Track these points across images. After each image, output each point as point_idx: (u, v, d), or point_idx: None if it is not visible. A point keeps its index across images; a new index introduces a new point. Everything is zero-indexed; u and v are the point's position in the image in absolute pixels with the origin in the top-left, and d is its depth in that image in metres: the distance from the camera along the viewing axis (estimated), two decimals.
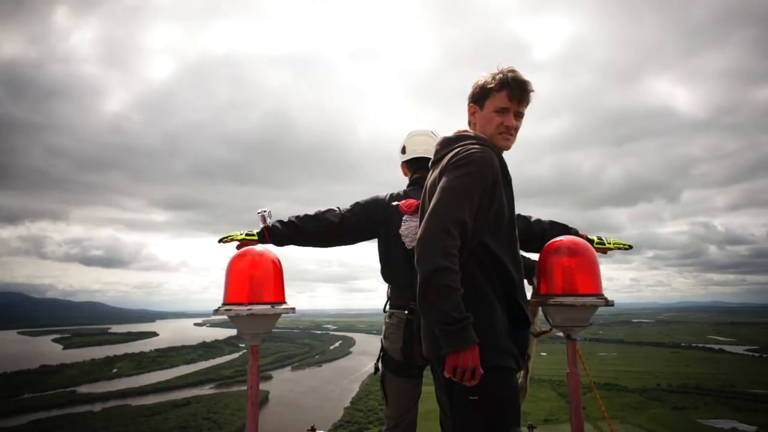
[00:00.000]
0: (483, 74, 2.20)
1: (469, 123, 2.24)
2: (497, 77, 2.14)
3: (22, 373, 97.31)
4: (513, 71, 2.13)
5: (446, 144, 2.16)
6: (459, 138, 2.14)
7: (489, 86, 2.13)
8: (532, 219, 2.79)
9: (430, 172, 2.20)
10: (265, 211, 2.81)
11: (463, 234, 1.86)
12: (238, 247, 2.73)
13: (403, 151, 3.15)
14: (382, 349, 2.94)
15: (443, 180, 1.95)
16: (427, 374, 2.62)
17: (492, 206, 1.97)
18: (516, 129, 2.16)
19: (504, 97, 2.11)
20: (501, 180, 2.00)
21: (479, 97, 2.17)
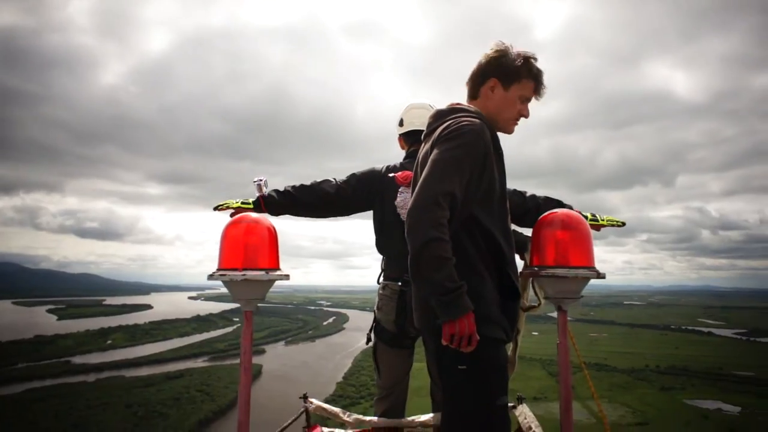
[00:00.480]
0: (506, 47, 2.10)
1: (477, 95, 2.15)
2: (531, 65, 2.09)
3: (16, 342, 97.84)
4: (537, 60, 2.11)
5: (439, 116, 2.13)
6: (452, 111, 2.11)
7: (520, 71, 2.08)
8: (527, 194, 2.79)
9: (423, 144, 2.18)
10: (261, 180, 2.81)
11: (453, 205, 1.84)
12: (233, 215, 2.74)
13: (401, 123, 3.14)
14: (375, 320, 2.97)
15: (434, 152, 1.93)
16: (419, 350, 2.64)
17: (483, 178, 1.96)
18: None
19: (531, 87, 2.10)
20: (492, 152, 2.00)
21: (508, 76, 2.08)
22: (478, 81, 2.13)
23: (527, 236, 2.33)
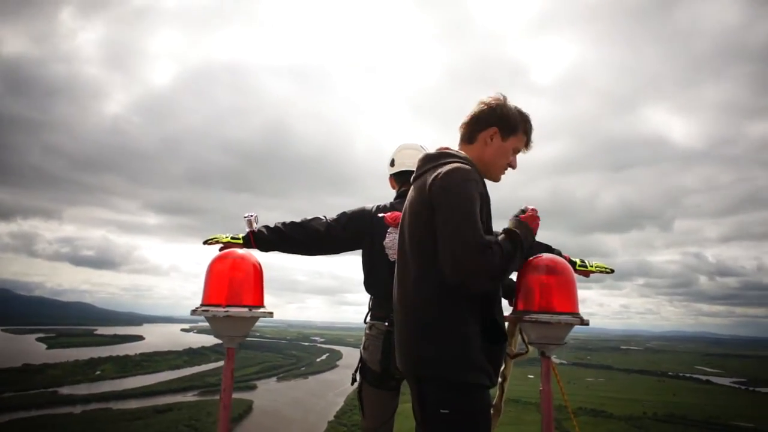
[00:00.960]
0: (505, 99, 2.20)
1: (473, 140, 2.19)
2: (528, 121, 2.22)
3: (4, 371, 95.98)
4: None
5: (428, 160, 2.14)
6: (441, 155, 2.13)
7: (519, 125, 2.18)
8: None
9: (411, 188, 2.18)
10: (252, 216, 2.83)
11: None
12: (222, 249, 2.74)
13: (392, 163, 3.18)
14: (361, 359, 2.95)
15: (442, 202, 1.93)
16: (406, 390, 2.62)
17: (483, 222, 1.99)
18: None
19: (523, 141, 2.22)
20: (484, 198, 2.03)
21: (508, 128, 2.17)
22: (477, 127, 2.18)
23: (512, 280, 2.33)
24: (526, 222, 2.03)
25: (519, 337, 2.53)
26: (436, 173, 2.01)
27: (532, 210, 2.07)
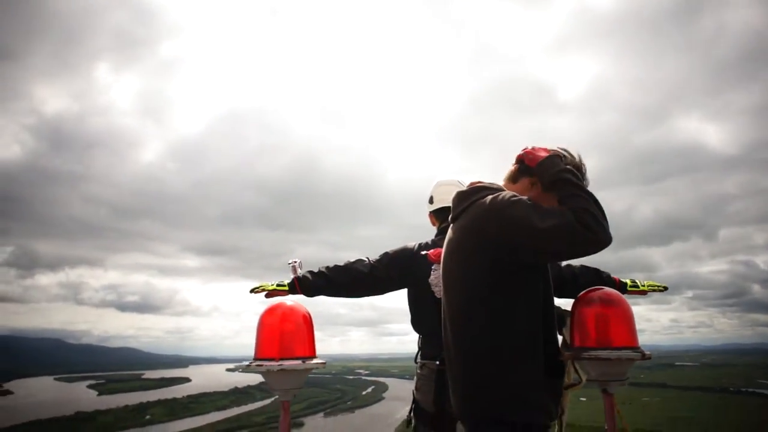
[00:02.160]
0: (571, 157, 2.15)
1: (517, 180, 2.16)
2: None
3: (57, 419, 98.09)
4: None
5: (464, 198, 2.12)
6: (477, 189, 2.11)
7: None
8: (562, 264, 2.76)
9: (450, 229, 2.16)
10: (295, 262, 2.86)
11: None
12: (268, 296, 2.77)
13: (431, 201, 3.17)
14: (414, 400, 2.90)
15: (507, 214, 1.88)
16: None
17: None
18: None
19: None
20: None
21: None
22: (524, 171, 2.15)
23: (566, 310, 2.28)
24: (541, 159, 2.00)
25: (572, 366, 2.46)
26: (478, 203, 1.99)
27: (524, 150, 2.06)
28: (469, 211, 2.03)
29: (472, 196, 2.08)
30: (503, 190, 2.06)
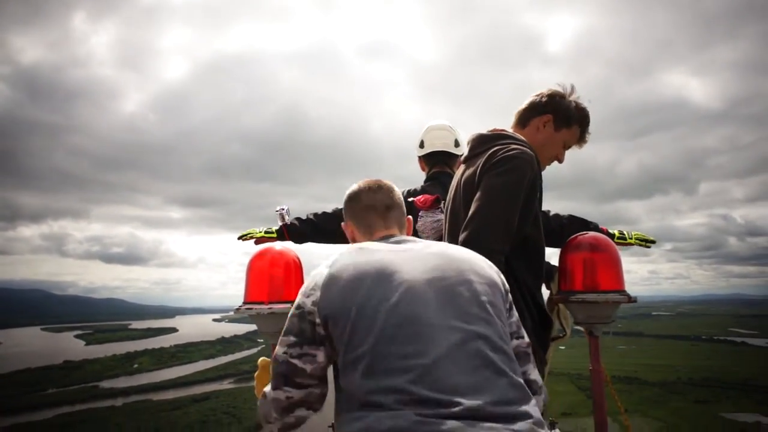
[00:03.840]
0: (568, 92, 2.16)
1: (526, 124, 2.16)
2: (585, 116, 2.17)
3: (46, 368, 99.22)
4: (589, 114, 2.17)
5: (483, 141, 2.10)
6: (497, 137, 2.09)
7: (574, 118, 2.14)
8: (551, 214, 2.76)
9: (462, 167, 2.16)
10: (283, 209, 2.83)
11: (511, 233, 1.87)
12: (256, 243, 2.75)
13: (422, 145, 3.13)
14: None
15: (488, 179, 1.92)
16: None
17: (533, 204, 1.97)
18: None
19: (576, 136, 2.17)
20: (539, 180, 2.00)
21: (563, 118, 2.13)
22: (532, 113, 2.15)
23: (554, 266, 2.29)
24: None
25: (557, 319, 2.50)
26: (492, 151, 1.98)
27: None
28: (482, 156, 2.02)
29: (494, 141, 2.06)
30: (519, 141, 2.05)
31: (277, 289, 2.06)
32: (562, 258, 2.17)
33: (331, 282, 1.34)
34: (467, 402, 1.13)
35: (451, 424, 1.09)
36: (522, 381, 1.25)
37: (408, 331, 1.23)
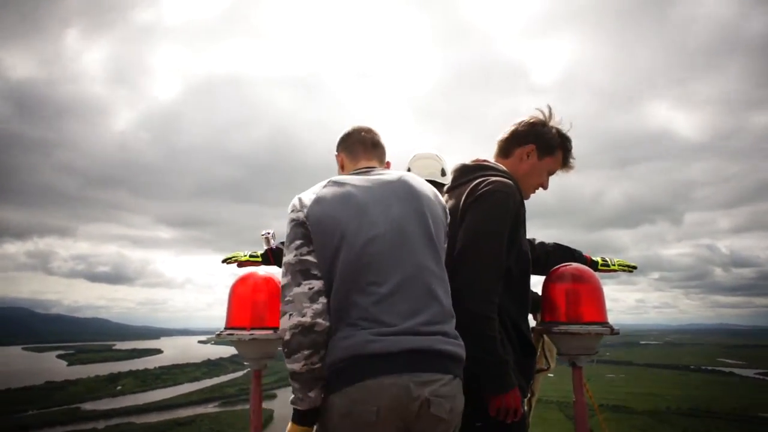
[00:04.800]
0: (547, 118, 2.19)
1: (509, 155, 2.18)
2: (566, 142, 2.20)
3: (26, 389, 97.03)
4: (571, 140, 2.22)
5: (465, 172, 2.13)
6: (479, 167, 2.11)
7: (557, 146, 2.17)
8: (536, 242, 2.77)
9: (446, 197, 2.17)
10: (269, 233, 2.81)
11: (501, 276, 1.88)
12: (240, 266, 2.73)
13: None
14: None
15: (471, 216, 1.92)
16: None
17: (517, 236, 1.97)
18: None
19: (559, 163, 2.20)
20: (522, 212, 2.01)
21: (546, 148, 2.15)
22: (514, 143, 2.17)
23: (538, 294, 2.29)
24: (505, 381, 1.83)
25: (541, 351, 2.49)
26: (474, 184, 1.99)
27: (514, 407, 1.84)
28: (465, 186, 2.03)
29: (475, 171, 2.08)
30: (501, 173, 2.06)
31: (260, 315, 2.04)
32: (545, 288, 2.17)
33: (316, 203, 1.72)
34: (406, 324, 1.57)
35: (388, 338, 1.54)
36: (449, 304, 1.69)
37: (375, 261, 1.63)
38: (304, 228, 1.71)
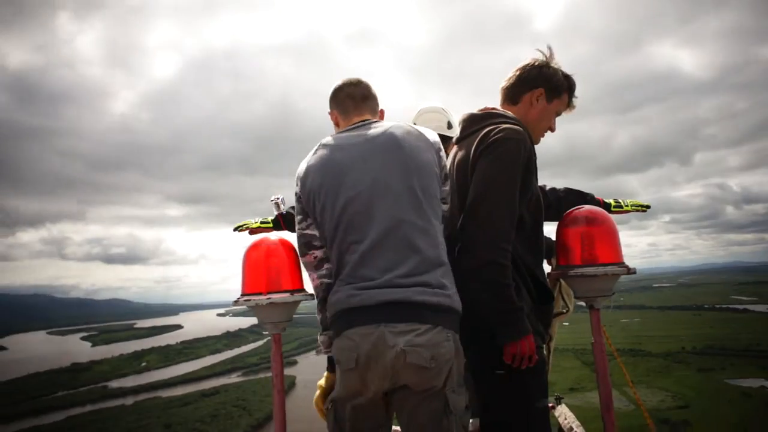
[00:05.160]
0: (549, 57, 2.14)
1: (518, 101, 2.13)
2: (572, 83, 2.16)
3: (54, 371, 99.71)
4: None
5: (474, 121, 2.08)
6: (488, 115, 2.06)
7: (564, 85, 2.12)
8: (547, 188, 2.74)
9: (455, 149, 2.15)
10: (278, 198, 2.79)
11: (514, 223, 1.85)
12: (251, 233, 2.73)
13: None
14: None
15: (482, 165, 1.89)
16: None
17: (531, 183, 1.95)
18: None
19: (566, 103, 2.16)
20: (533, 158, 1.97)
21: (553, 90, 2.11)
22: (523, 88, 2.12)
23: (552, 240, 2.27)
24: (518, 327, 1.79)
25: (559, 295, 2.49)
26: (484, 133, 1.95)
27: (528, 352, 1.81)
28: (475, 136, 1.99)
29: (485, 120, 2.04)
30: (511, 119, 2.02)
31: (275, 279, 2.04)
32: (559, 233, 2.15)
33: (305, 176, 1.86)
34: (385, 276, 1.66)
35: (366, 292, 1.66)
36: (434, 254, 1.72)
37: (354, 220, 1.73)
38: (299, 203, 1.89)
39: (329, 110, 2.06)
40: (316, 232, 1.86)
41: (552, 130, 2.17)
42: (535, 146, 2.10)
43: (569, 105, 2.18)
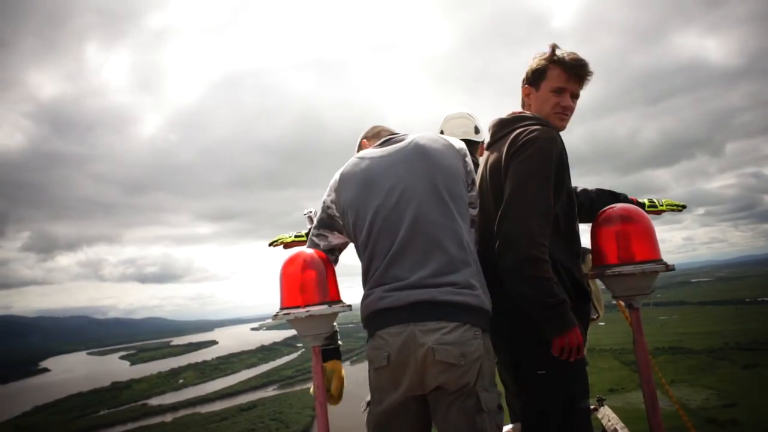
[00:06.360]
0: (534, 59, 2.18)
1: (523, 104, 2.22)
2: (553, 57, 2.12)
3: (95, 391, 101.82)
4: (572, 53, 2.11)
5: (503, 125, 2.13)
6: (516, 119, 2.10)
7: (543, 66, 2.11)
8: (578, 189, 2.73)
9: (487, 153, 2.19)
10: (311, 212, 2.84)
11: (549, 221, 1.87)
12: (286, 247, 2.77)
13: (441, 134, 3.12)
14: None
15: (516, 166, 1.91)
16: None
17: (564, 182, 1.96)
18: (571, 110, 2.15)
19: (560, 76, 2.10)
20: (565, 156, 1.98)
21: (534, 78, 2.15)
22: (521, 93, 2.22)
23: (585, 248, 2.25)
24: (564, 321, 1.81)
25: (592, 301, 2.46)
26: (514, 135, 1.98)
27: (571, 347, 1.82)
28: (505, 139, 2.03)
29: (514, 123, 2.08)
30: (540, 121, 2.04)
31: (312, 292, 2.06)
32: (594, 233, 2.12)
33: (339, 186, 1.98)
34: (412, 278, 1.74)
35: (396, 293, 1.75)
36: (461, 254, 1.78)
37: (384, 227, 1.83)
38: (324, 214, 2.05)
39: (363, 139, 2.29)
40: (321, 243, 2.08)
41: (563, 105, 2.11)
42: (562, 129, 2.13)
43: (570, 71, 2.09)
